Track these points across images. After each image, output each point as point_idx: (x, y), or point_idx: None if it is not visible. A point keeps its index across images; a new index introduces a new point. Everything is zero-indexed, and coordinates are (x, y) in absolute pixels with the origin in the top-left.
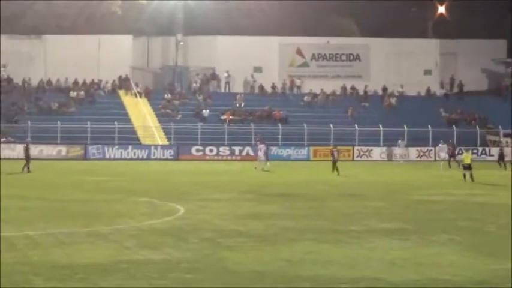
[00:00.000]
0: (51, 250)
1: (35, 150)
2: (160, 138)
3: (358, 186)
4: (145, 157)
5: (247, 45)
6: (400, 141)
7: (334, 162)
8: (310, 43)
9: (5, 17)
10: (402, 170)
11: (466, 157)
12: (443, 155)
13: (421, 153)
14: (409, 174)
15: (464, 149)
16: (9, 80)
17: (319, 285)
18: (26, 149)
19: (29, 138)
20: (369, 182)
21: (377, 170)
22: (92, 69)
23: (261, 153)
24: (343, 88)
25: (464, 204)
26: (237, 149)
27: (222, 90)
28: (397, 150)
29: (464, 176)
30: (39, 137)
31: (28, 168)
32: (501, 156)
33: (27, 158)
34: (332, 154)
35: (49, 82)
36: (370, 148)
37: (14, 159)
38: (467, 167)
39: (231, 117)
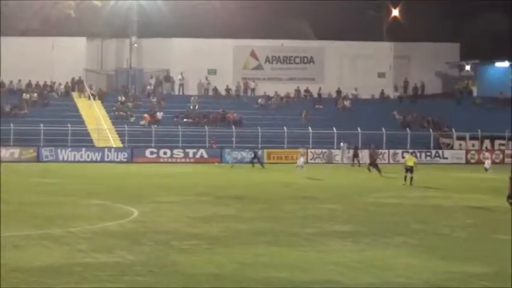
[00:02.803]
0: (3, 253)
1: None
2: (114, 141)
3: (312, 189)
4: (99, 159)
5: (201, 47)
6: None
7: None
8: (264, 45)
9: None
10: (356, 173)
11: (409, 159)
12: (301, 160)
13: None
14: (363, 177)
15: (410, 152)
16: None
17: (274, 287)
18: None
19: None
20: (323, 185)
21: (331, 173)
22: (46, 71)
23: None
24: (297, 91)
25: (418, 206)
26: (191, 151)
27: (176, 92)
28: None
29: (405, 178)
30: None
31: None
32: (355, 155)
33: None
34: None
35: (2, 84)
36: (324, 151)
37: None
38: (409, 169)
39: (182, 119)
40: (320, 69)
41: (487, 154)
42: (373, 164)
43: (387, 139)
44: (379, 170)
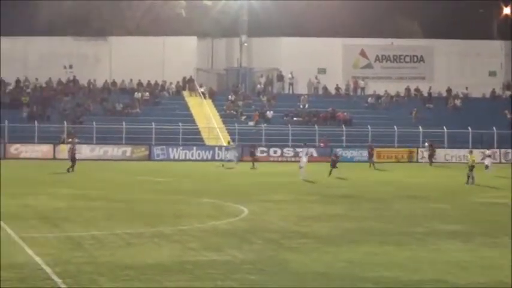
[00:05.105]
0: (116, 250)
1: (100, 150)
2: (225, 140)
3: (421, 188)
4: (209, 158)
5: (311, 46)
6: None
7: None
8: (374, 44)
9: (71, 19)
10: (454, 172)
11: (472, 158)
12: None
13: (485, 156)
14: (483, 178)
15: (470, 151)
16: (75, 81)
17: (383, 286)
18: (72, 150)
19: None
20: (432, 184)
21: (441, 172)
22: (157, 70)
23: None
24: (407, 89)
25: None
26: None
27: (286, 91)
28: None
29: (468, 177)
30: (104, 137)
31: (73, 168)
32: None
33: (73, 159)
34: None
35: (114, 83)
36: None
37: (77, 160)
38: (472, 168)
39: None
40: (430, 68)
41: None
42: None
43: (498, 138)
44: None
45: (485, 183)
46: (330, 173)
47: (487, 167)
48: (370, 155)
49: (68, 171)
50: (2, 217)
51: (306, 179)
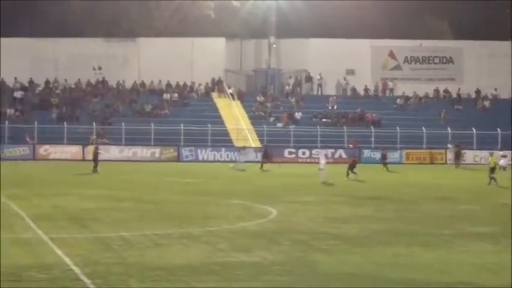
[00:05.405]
0: (145, 251)
1: (128, 151)
2: (253, 141)
3: (447, 189)
4: (238, 159)
5: (339, 47)
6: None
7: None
8: (402, 46)
9: (101, 21)
10: (479, 174)
11: (492, 160)
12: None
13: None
14: (500, 178)
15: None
16: (104, 82)
17: (411, 287)
18: (95, 150)
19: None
20: (458, 185)
21: (469, 174)
22: (186, 71)
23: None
24: (436, 91)
25: None
26: (329, 151)
27: (315, 92)
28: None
29: (491, 179)
30: (133, 138)
31: (95, 168)
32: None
33: (95, 159)
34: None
35: (143, 84)
36: (463, 151)
37: (106, 160)
38: (493, 170)
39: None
40: (459, 69)
41: None
42: (351, 168)
43: None
44: (354, 173)
45: (507, 184)
46: (355, 173)
47: (504, 168)
48: (383, 158)
49: (95, 171)
50: (33, 218)
51: (326, 181)
